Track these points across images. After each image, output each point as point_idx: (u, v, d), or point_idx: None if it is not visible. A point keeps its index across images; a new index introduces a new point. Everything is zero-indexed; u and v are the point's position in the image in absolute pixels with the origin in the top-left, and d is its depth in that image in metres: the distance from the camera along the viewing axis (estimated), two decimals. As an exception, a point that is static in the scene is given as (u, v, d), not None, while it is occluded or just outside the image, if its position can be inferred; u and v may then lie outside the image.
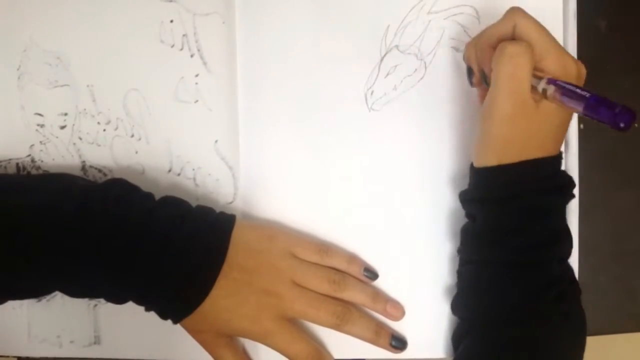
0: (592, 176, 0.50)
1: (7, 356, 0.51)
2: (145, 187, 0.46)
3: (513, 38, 0.40)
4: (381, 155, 0.48)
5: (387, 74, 0.48)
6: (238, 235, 0.45)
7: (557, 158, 0.42)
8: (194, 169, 0.49)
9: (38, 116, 0.49)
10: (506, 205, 0.41)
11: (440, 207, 0.48)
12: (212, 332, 0.45)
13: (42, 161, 0.49)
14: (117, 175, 0.48)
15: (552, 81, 0.38)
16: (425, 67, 0.48)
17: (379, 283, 0.48)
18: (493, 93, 0.40)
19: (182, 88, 0.49)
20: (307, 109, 0.49)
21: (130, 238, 0.43)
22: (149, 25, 0.48)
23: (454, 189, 0.48)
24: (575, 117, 0.48)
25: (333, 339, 0.48)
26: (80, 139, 0.49)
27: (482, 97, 0.44)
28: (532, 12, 0.47)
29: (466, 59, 0.45)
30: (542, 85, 0.38)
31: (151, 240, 0.43)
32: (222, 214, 0.46)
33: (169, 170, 0.49)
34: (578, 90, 0.36)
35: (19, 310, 0.50)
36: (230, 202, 0.49)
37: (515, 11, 0.41)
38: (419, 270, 0.48)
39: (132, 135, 0.49)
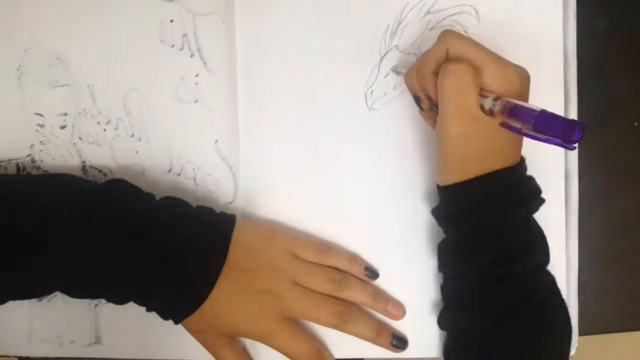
0: (592, 176, 0.50)
1: (8, 356, 0.51)
2: (145, 187, 0.46)
3: (449, 60, 0.41)
4: (381, 155, 0.48)
5: (387, 74, 0.48)
6: (239, 236, 0.45)
7: (518, 167, 0.41)
8: (194, 169, 0.49)
9: (38, 116, 0.49)
10: (469, 222, 0.42)
11: (440, 207, 0.48)
12: (213, 332, 0.45)
13: (42, 161, 0.49)
14: (117, 175, 0.48)
15: (498, 100, 0.38)
16: (425, 67, 0.48)
17: (379, 282, 0.48)
18: (442, 113, 0.40)
19: (182, 88, 0.49)
20: (307, 109, 0.49)
21: (131, 238, 0.43)
22: (149, 25, 0.49)
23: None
24: (574, 116, 0.48)
25: (333, 339, 0.48)
26: (81, 139, 0.49)
27: (435, 121, 0.45)
28: (532, 12, 0.48)
29: (409, 88, 0.45)
30: (487, 104, 0.38)
31: (152, 241, 0.43)
32: (223, 214, 0.46)
33: (169, 170, 0.49)
34: (527, 106, 0.36)
35: (19, 310, 0.50)
36: (231, 202, 0.49)
37: (446, 34, 0.41)
38: (418, 270, 0.48)
39: (132, 135, 0.49)
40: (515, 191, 0.41)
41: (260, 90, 0.48)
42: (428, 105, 0.44)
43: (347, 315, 0.45)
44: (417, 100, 0.45)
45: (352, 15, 0.48)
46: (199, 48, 0.48)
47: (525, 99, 0.41)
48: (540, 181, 0.46)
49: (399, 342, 0.47)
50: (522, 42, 0.48)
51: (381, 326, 0.47)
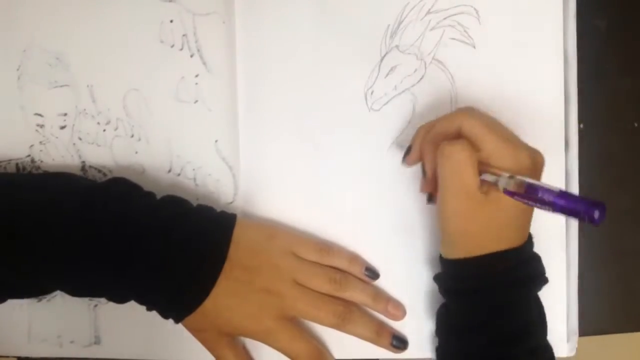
0: (592, 176, 0.50)
1: (7, 356, 0.51)
2: (145, 187, 0.46)
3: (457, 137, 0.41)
4: (381, 155, 0.48)
5: (387, 74, 0.48)
6: (239, 234, 0.45)
7: (521, 249, 0.41)
8: (194, 169, 0.49)
9: (38, 116, 0.49)
10: (468, 300, 0.42)
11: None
12: (214, 331, 0.45)
13: (42, 161, 0.49)
14: (117, 176, 0.48)
15: (514, 178, 0.37)
16: (425, 67, 0.48)
17: (378, 283, 0.48)
18: (441, 192, 0.41)
19: (182, 88, 0.49)
20: (307, 109, 0.49)
21: (131, 237, 0.43)
22: (149, 25, 0.48)
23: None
24: (575, 116, 0.48)
25: (333, 339, 0.48)
26: (80, 139, 0.49)
27: (424, 185, 0.46)
28: (532, 12, 0.48)
29: (413, 141, 0.45)
30: (502, 182, 0.38)
31: (152, 239, 0.43)
32: (223, 213, 0.46)
33: (169, 170, 0.49)
34: (545, 186, 0.36)
35: (19, 311, 0.50)
36: (231, 202, 0.49)
37: (461, 112, 0.41)
38: (418, 269, 0.48)
39: (132, 136, 0.49)
40: (519, 273, 0.41)
41: (260, 91, 0.48)
42: (412, 162, 0.45)
43: (347, 315, 0.45)
44: (407, 151, 0.45)
45: (353, 15, 0.48)
46: (199, 48, 0.48)
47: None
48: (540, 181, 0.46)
49: (399, 342, 0.47)
50: (522, 42, 0.48)
51: (381, 327, 0.47)
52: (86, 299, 0.49)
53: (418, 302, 0.48)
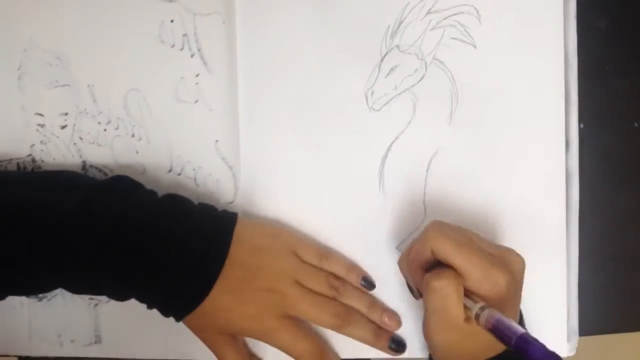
0: (592, 176, 0.50)
1: (8, 355, 0.51)
2: (146, 187, 0.46)
3: (435, 259, 0.41)
4: (381, 155, 0.48)
5: (388, 74, 0.48)
6: (240, 233, 0.45)
7: (505, 353, 0.41)
8: (194, 169, 0.49)
9: (38, 116, 0.49)
10: None
11: (442, 204, 0.48)
12: (215, 330, 0.45)
13: (42, 161, 0.49)
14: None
15: (484, 311, 0.38)
16: (426, 67, 0.48)
17: (378, 281, 0.48)
18: (429, 323, 0.41)
19: (183, 88, 0.49)
20: (307, 109, 0.49)
21: (133, 234, 0.43)
22: (149, 25, 0.49)
23: (454, 189, 0.48)
24: (575, 116, 0.48)
25: (334, 339, 0.48)
26: (81, 138, 0.49)
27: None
28: (533, 12, 0.48)
29: (403, 275, 0.46)
30: (475, 310, 0.38)
31: (153, 237, 0.43)
32: (225, 212, 0.46)
33: (170, 170, 0.49)
34: (511, 326, 0.36)
35: (19, 310, 0.50)
36: (231, 202, 0.49)
37: (429, 234, 0.41)
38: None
39: (133, 135, 0.49)
40: None
41: (261, 91, 0.48)
42: (418, 294, 0.45)
43: (347, 317, 0.45)
44: (409, 287, 0.46)
45: (353, 15, 0.48)
46: (199, 48, 0.48)
47: (514, 302, 0.41)
48: (540, 181, 0.46)
49: (397, 345, 0.47)
50: (522, 42, 0.48)
51: (380, 329, 0.47)
52: (86, 298, 0.49)
53: (418, 304, 0.48)
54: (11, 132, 0.49)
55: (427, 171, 0.48)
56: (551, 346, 0.43)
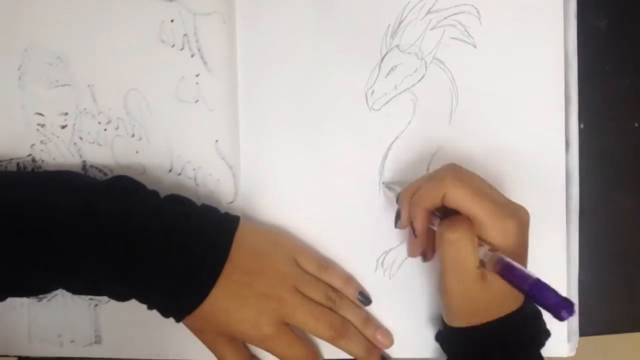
0: (592, 176, 0.50)
1: (8, 355, 0.51)
2: (147, 187, 0.46)
3: (443, 204, 0.41)
4: (381, 155, 0.49)
5: (388, 74, 0.48)
6: (242, 237, 0.45)
7: (521, 310, 0.41)
8: (194, 169, 0.49)
9: (39, 116, 0.49)
10: None
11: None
12: (214, 331, 0.45)
13: (42, 161, 0.49)
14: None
15: (493, 253, 0.39)
16: (426, 67, 0.48)
17: (377, 278, 0.48)
18: (442, 272, 0.41)
19: (183, 88, 0.49)
20: (307, 109, 0.49)
21: (134, 235, 0.43)
22: (149, 25, 0.49)
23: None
24: (575, 116, 0.48)
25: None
26: (81, 138, 0.49)
27: (411, 246, 0.46)
28: (533, 12, 0.48)
29: (400, 206, 0.45)
30: (481, 254, 0.39)
31: (154, 237, 0.43)
32: (227, 214, 0.46)
33: (170, 170, 0.49)
34: (521, 270, 0.37)
35: (19, 310, 0.50)
36: (231, 202, 0.49)
37: (445, 179, 0.41)
38: (417, 267, 0.48)
39: (133, 135, 0.49)
40: (521, 334, 0.42)
41: (261, 90, 0.48)
42: (404, 225, 0.44)
43: (342, 330, 0.45)
44: (398, 215, 0.45)
45: (353, 15, 0.48)
46: (199, 48, 0.48)
47: (524, 252, 0.41)
48: (540, 181, 0.46)
49: None
50: (522, 42, 0.48)
51: (372, 346, 0.47)
52: (86, 299, 0.49)
53: (415, 301, 0.48)
54: (11, 132, 0.49)
55: (427, 171, 0.48)
56: (551, 346, 0.44)
